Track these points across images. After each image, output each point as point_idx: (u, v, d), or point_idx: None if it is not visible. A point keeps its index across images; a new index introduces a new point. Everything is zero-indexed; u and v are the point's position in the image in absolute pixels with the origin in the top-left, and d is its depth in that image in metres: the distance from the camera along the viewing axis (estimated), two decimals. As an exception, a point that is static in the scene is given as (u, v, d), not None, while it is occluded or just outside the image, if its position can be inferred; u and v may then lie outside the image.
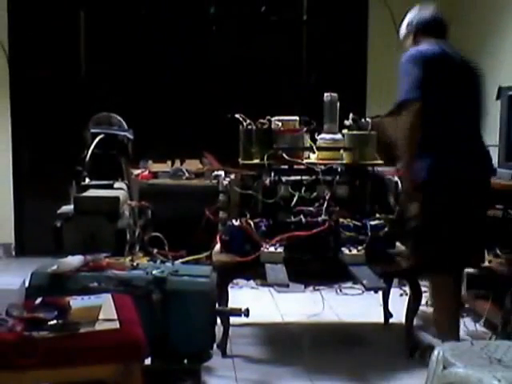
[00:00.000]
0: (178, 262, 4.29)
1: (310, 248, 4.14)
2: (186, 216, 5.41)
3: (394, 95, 5.92)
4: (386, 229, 4.20)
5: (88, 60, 7.19)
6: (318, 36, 7.26)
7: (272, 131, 4.43)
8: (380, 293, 4.83)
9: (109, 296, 3.12)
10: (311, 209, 4.25)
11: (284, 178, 4.35)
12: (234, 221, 4.26)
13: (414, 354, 4.17)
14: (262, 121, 4.47)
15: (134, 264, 3.69)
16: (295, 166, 4.42)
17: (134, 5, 7.19)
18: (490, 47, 5.99)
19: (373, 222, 4.21)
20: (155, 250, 4.66)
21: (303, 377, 3.94)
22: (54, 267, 3.49)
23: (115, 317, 2.83)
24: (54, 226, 4.40)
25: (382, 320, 4.92)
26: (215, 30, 7.24)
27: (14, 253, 7.22)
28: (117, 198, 4.52)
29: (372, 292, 4.77)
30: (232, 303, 4.16)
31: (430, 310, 4.96)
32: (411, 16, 4.20)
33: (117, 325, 2.75)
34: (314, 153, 4.52)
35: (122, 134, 5.42)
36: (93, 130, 5.29)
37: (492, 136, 4.71)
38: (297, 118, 4.53)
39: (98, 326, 2.73)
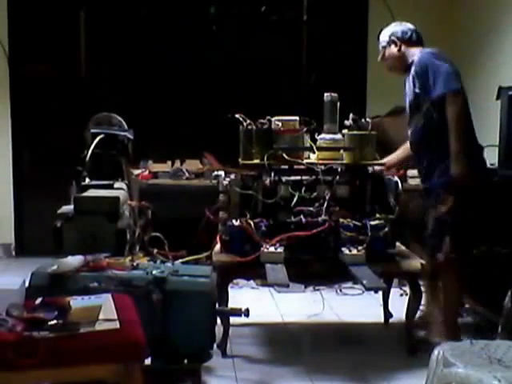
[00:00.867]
0: (178, 262, 4.28)
1: (310, 248, 4.15)
2: (186, 216, 5.41)
3: (393, 95, 5.95)
4: (386, 229, 4.20)
5: (88, 60, 7.20)
6: (318, 36, 7.26)
7: (272, 131, 4.43)
8: (380, 293, 4.84)
9: (109, 296, 3.11)
10: (311, 209, 4.24)
11: (284, 178, 4.34)
12: (234, 221, 4.26)
13: (415, 353, 4.18)
14: (262, 121, 4.47)
15: (134, 264, 3.68)
16: (295, 166, 4.41)
17: (134, 5, 7.20)
18: (489, 47, 6.00)
19: (373, 222, 4.20)
20: (155, 250, 4.64)
21: (303, 377, 3.95)
22: (54, 267, 3.49)
23: (115, 317, 2.83)
24: (54, 226, 4.38)
25: (382, 320, 4.93)
26: (215, 30, 7.25)
27: (14, 253, 7.23)
28: (117, 198, 4.51)
29: (372, 292, 4.79)
30: (232, 303, 4.16)
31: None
32: (393, 29, 4.54)
33: (117, 325, 2.75)
34: (314, 153, 4.51)
35: (122, 134, 5.41)
36: (93, 130, 5.28)
37: (492, 136, 4.72)
38: (297, 118, 4.51)
39: (98, 326, 2.73)
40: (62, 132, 6.98)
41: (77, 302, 2.99)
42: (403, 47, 4.48)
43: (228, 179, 4.48)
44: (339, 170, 4.45)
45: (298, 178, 4.38)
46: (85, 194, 4.66)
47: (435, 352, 2.60)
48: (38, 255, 4.85)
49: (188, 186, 6.45)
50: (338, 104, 4.54)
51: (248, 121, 4.46)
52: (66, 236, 4.33)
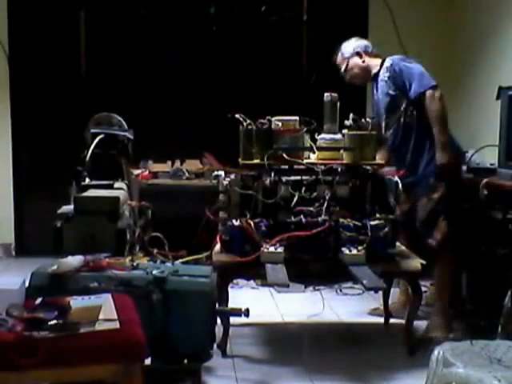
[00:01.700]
0: (178, 262, 4.29)
1: (311, 248, 4.14)
2: (186, 216, 5.42)
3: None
4: (386, 229, 4.20)
5: (88, 60, 7.19)
6: (318, 36, 7.24)
7: (272, 131, 4.42)
8: (380, 293, 4.84)
9: (109, 296, 3.11)
10: (311, 209, 4.24)
11: (284, 178, 4.34)
12: (234, 221, 4.26)
13: (415, 353, 4.20)
14: (262, 121, 4.46)
15: (134, 264, 3.68)
16: (295, 166, 4.41)
17: (134, 5, 7.19)
18: (489, 47, 6.00)
19: (373, 222, 4.20)
20: (155, 250, 4.65)
21: (303, 377, 3.95)
22: (54, 267, 3.49)
23: (115, 317, 2.83)
24: (54, 226, 4.38)
25: (382, 320, 4.92)
26: (215, 30, 7.24)
27: (14, 253, 7.23)
28: (117, 198, 4.52)
29: (372, 292, 4.79)
30: (232, 303, 4.17)
31: (430, 309, 4.98)
32: (356, 43, 4.95)
33: (117, 325, 2.76)
34: (314, 153, 4.52)
35: (122, 134, 5.41)
36: (93, 130, 5.28)
37: (492, 136, 4.72)
38: (297, 118, 4.51)
39: (98, 326, 2.74)
40: (61, 132, 6.98)
41: (77, 302, 2.99)
42: (366, 58, 4.84)
43: (228, 179, 4.47)
44: (339, 169, 4.45)
45: (298, 177, 4.38)
46: (85, 194, 4.66)
47: (435, 352, 2.60)
48: (38, 255, 4.86)
49: (188, 186, 6.47)
50: (338, 104, 4.55)
51: (248, 121, 4.46)
52: (65, 236, 4.33)
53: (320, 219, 4.18)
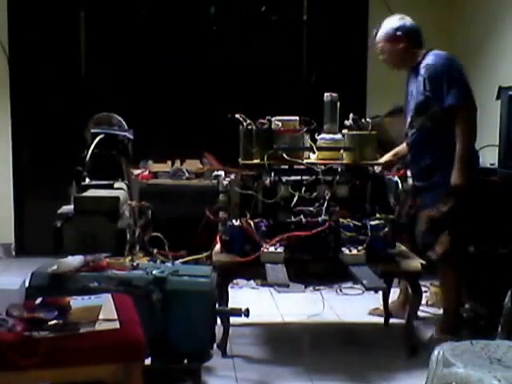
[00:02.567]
0: (178, 262, 4.29)
1: (311, 248, 4.14)
2: (186, 216, 5.43)
3: (393, 95, 5.93)
4: (386, 229, 4.20)
5: (88, 60, 7.20)
6: (318, 36, 7.26)
7: (272, 131, 4.43)
8: (380, 293, 4.83)
9: (109, 296, 3.12)
10: (311, 209, 4.25)
11: (284, 178, 4.35)
12: (234, 221, 4.26)
13: (415, 353, 4.19)
14: (262, 121, 4.47)
15: (134, 264, 3.69)
16: (295, 166, 4.41)
17: (134, 5, 7.20)
18: (489, 47, 6.00)
19: (373, 222, 4.20)
20: (155, 250, 4.65)
21: (303, 377, 3.95)
22: (54, 267, 3.50)
23: (115, 317, 2.83)
24: (54, 226, 4.40)
25: (382, 320, 4.92)
26: (215, 30, 7.25)
27: (14, 253, 7.23)
28: (117, 198, 4.53)
29: (372, 292, 4.78)
30: (232, 303, 4.16)
31: (431, 309, 4.99)
32: (397, 23, 4.53)
33: (117, 325, 2.76)
34: (314, 153, 4.52)
35: (122, 134, 5.43)
36: (93, 130, 5.29)
37: (492, 136, 4.72)
38: (297, 118, 4.52)
39: (98, 326, 2.74)
40: (62, 132, 6.99)
41: (77, 302, 2.99)
42: (405, 45, 4.48)
43: (228, 179, 4.48)
44: (339, 169, 4.46)
45: (298, 178, 4.39)
46: (85, 193, 4.67)
47: (435, 352, 2.59)
48: (38, 255, 4.87)
49: (188, 186, 6.47)
50: (338, 104, 4.54)
51: (248, 121, 4.46)
52: (66, 236, 4.35)
53: (320, 219, 4.18)
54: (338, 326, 4.98)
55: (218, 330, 3.95)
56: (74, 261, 3.55)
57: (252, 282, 5.65)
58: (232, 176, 4.49)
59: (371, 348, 4.48)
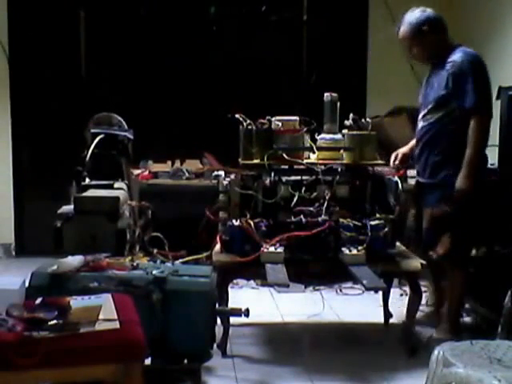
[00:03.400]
0: (178, 262, 4.30)
1: (310, 248, 4.15)
2: (186, 216, 5.45)
3: (393, 95, 5.95)
4: (386, 229, 4.21)
5: (88, 60, 7.21)
6: (318, 36, 7.27)
7: (272, 131, 4.44)
8: (380, 293, 4.84)
9: (109, 296, 3.12)
10: (311, 209, 4.25)
11: (284, 178, 4.35)
12: (234, 221, 4.26)
13: (415, 353, 4.20)
14: (262, 121, 4.47)
15: (134, 264, 3.69)
16: (295, 166, 4.42)
17: (134, 5, 7.21)
18: (489, 48, 6.00)
19: (373, 222, 4.20)
20: (155, 250, 4.66)
21: (303, 376, 3.96)
22: (54, 267, 3.50)
23: (115, 317, 2.83)
24: (54, 226, 4.41)
25: (382, 320, 4.93)
26: (215, 30, 7.26)
27: (14, 253, 7.24)
28: (117, 198, 4.54)
29: (372, 292, 4.80)
30: (232, 303, 4.17)
31: (430, 309, 4.98)
32: (420, 17, 4.39)
33: (117, 325, 2.76)
34: (314, 153, 4.53)
35: (122, 134, 5.44)
36: (93, 130, 5.31)
37: (492, 136, 4.72)
38: (297, 118, 4.52)
39: (98, 326, 2.74)
40: (62, 132, 7.00)
41: (77, 302, 2.99)
42: (431, 38, 4.38)
43: (228, 179, 4.48)
44: (339, 169, 4.47)
45: (298, 177, 4.39)
46: (85, 193, 4.69)
47: (435, 352, 2.60)
48: (38, 255, 4.87)
49: (188, 186, 6.47)
50: (338, 104, 4.55)
51: (248, 121, 4.47)
52: (66, 236, 4.36)
53: (320, 219, 4.18)
54: (337, 325, 4.98)
55: (218, 329, 3.95)
56: (74, 261, 3.56)
57: (252, 281, 5.66)
58: (232, 176, 4.49)
59: (371, 348, 4.49)
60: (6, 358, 2.54)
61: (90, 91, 7.07)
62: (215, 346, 3.89)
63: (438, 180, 4.32)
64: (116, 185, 5.02)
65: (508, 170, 4.60)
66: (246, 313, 3.76)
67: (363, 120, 4.54)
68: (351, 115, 4.54)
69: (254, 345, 4.52)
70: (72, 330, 2.69)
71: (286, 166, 4.44)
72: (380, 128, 4.87)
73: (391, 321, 4.89)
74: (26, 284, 3.54)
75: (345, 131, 4.55)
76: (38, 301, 2.97)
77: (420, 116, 4.46)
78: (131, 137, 5.48)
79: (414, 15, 4.41)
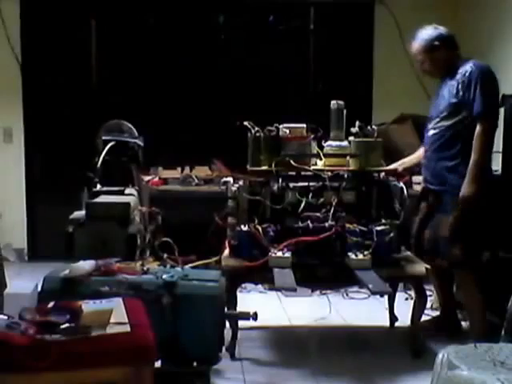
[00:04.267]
0: (187, 266, 4.33)
1: (317, 253, 4.18)
2: (195, 221, 5.44)
3: (398, 103, 5.97)
4: (392, 234, 4.24)
5: (99, 68, 7.26)
6: (324, 45, 7.31)
7: (280, 138, 4.47)
8: (386, 297, 4.84)
9: (120, 300, 3.15)
10: (318, 214, 4.28)
11: (291, 185, 4.38)
12: (242, 226, 4.30)
13: (420, 356, 4.23)
14: (270, 128, 4.51)
15: (145, 269, 3.71)
16: (302, 173, 4.45)
17: (143, 14, 7.24)
18: (493, 55, 6.02)
19: (379, 228, 4.24)
20: (165, 255, 4.67)
21: (310, 379, 3.99)
22: (66, 272, 3.53)
23: (126, 320, 2.87)
24: (66, 232, 4.41)
25: (387, 323, 4.95)
26: (224, 39, 7.30)
27: (26, 258, 7.29)
28: (128, 204, 4.55)
29: (378, 296, 4.79)
30: (240, 307, 4.19)
31: (435, 313, 5.01)
32: (433, 33, 4.51)
33: (128, 328, 2.79)
34: (321, 159, 4.56)
35: (133, 141, 5.43)
36: (104, 138, 5.29)
37: (495, 143, 4.75)
38: (304, 125, 4.55)
39: (110, 330, 2.78)
40: (73, 139, 7.03)
41: (88, 306, 3.01)
42: (443, 53, 4.49)
43: (236, 185, 4.51)
44: (346, 176, 4.49)
45: (305, 184, 4.42)
46: (96, 199, 4.68)
47: (439, 355, 2.61)
48: (50, 260, 4.88)
49: (197, 192, 6.50)
50: (345, 111, 4.58)
51: (256, 128, 4.50)
52: (77, 241, 4.37)
53: (327, 225, 4.22)
54: (344, 329, 5.01)
55: (227, 333, 3.98)
56: (85, 265, 3.58)
57: (260, 286, 5.62)
58: (240, 182, 4.53)
59: (377, 351, 4.52)
60: (19, 360, 2.57)
61: (100, 99, 7.12)
62: (224, 348, 3.90)
63: (445, 187, 4.36)
64: (127, 191, 5.01)
65: (511, 176, 4.63)
66: (254, 316, 3.80)
67: (369, 127, 4.57)
68: (357, 122, 4.56)
69: (261, 348, 4.55)
70: (84, 334, 2.72)
71: (294, 173, 4.47)
72: (385, 135, 4.89)
73: (397, 324, 4.91)
74: (39, 288, 3.56)
75: (351, 138, 4.58)
76: (51, 305, 2.99)
77: (431, 125, 4.49)
78: (141, 144, 5.49)
79: (426, 31, 4.52)
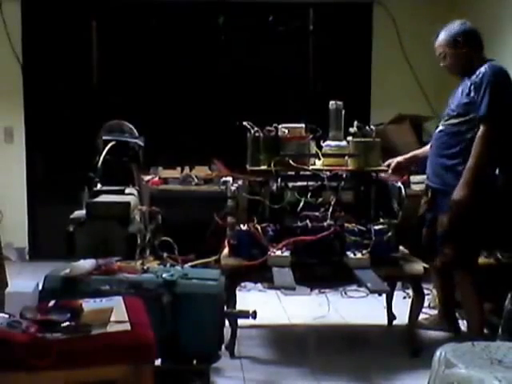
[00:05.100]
0: (187, 265, 4.34)
1: (316, 252, 4.19)
2: (195, 221, 5.46)
3: (396, 103, 5.97)
4: (390, 233, 4.25)
5: (100, 69, 7.26)
6: (323, 46, 7.32)
7: (279, 138, 4.48)
8: (384, 295, 4.84)
9: (120, 299, 3.17)
10: (317, 214, 4.30)
11: (290, 184, 4.41)
12: (241, 226, 4.31)
13: (418, 354, 4.23)
14: (269, 128, 4.51)
15: (145, 268, 3.74)
16: (301, 173, 4.47)
17: (144, 15, 7.24)
18: (492, 55, 6.04)
19: (377, 227, 4.26)
20: (165, 254, 4.68)
21: (309, 377, 4.00)
22: (67, 271, 3.55)
23: (126, 319, 2.88)
24: (67, 231, 4.44)
25: (385, 322, 4.96)
26: (224, 40, 7.31)
27: (27, 257, 7.29)
28: (128, 204, 4.57)
29: (376, 295, 4.81)
30: (240, 306, 4.20)
31: (433, 312, 5.02)
32: (457, 28, 4.42)
33: (128, 327, 2.81)
34: (319, 159, 4.57)
35: (133, 141, 5.44)
36: (105, 138, 5.31)
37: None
38: (303, 125, 4.56)
39: (110, 328, 2.79)
40: (74, 139, 7.04)
41: (89, 305, 3.03)
42: (465, 50, 4.38)
43: (236, 185, 4.53)
44: (344, 176, 4.51)
45: (304, 183, 4.44)
46: (97, 199, 4.70)
47: (437, 353, 2.59)
48: (51, 259, 4.90)
49: (197, 192, 6.50)
50: (343, 112, 4.59)
51: (255, 128, 4.51)
52: (78, 240, 4.39)
53: (325, 224, 4.23)
54: (342, 327, 5.02)
55: (226, 331, 4.00)
56: (86, 264, 3.60)
57: (259, 285, 5.60)
58: (240, 182, 4.54)
59: (375, 349, 4.53)
60: (20, 359, 2.58)
61: (101, 99, 7.12)
62: (223, 347, 3.93)
63: (443, 186, 4.34)
64: (127, 190, 5.02)
65: (509, 178, 4.62)
66: (254, 315, 3.81)
67: (367, 127, 4.59)
68: (356, 123, 4.57)
69: (261, 346, 4.56)
70: (84, 332, 2.74)
71: (293, 172, 4.49)
72: (383, 135, 4.89)
73: (395, 323, 4.92)
74: (40, 287, 3.57)
75: (349, 138, 4.58)
76: (51, 303, 3.01)
77: (441, 122, 4.47)
78: (142, 144, 5.50)
79: (453, 25, 4.44)
